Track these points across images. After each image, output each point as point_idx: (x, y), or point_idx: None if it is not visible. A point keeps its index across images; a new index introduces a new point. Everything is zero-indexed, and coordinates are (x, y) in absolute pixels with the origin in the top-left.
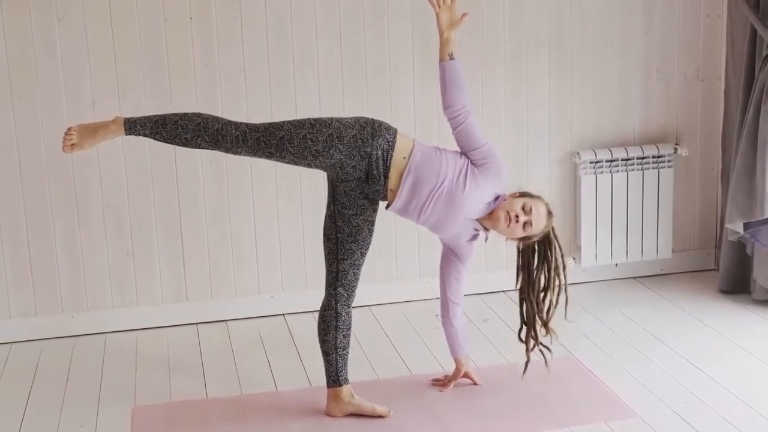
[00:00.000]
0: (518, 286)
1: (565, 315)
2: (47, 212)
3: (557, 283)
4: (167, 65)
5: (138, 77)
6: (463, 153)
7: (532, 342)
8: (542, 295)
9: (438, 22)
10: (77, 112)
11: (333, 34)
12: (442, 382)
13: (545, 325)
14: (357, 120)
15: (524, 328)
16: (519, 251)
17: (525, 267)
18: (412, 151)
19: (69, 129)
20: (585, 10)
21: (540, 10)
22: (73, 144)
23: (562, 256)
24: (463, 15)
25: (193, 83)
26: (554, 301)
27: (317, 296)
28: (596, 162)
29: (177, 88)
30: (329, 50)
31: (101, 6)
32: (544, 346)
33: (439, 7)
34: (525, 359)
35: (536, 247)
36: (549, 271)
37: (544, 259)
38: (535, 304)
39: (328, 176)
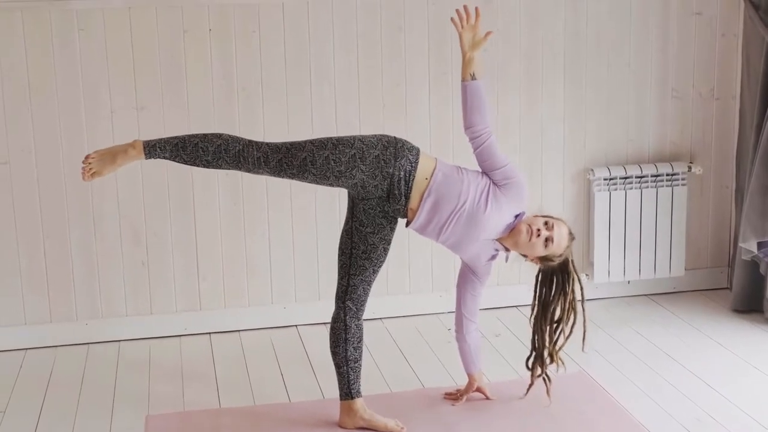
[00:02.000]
0: (533, 317)
1: (583, 347)
2: (64, 221)
3: (573, 316)
4: (186, 76)
5: (157, 88)
6: (485, 173)
7: (538, 370)
8: (555, 326)
9: (461, 42)
10: (96, 121)
11: (350, 48)
12: (454, 396)
13: (551, 355)
14: (379, 139)
15: (533, 355)
16: (536, 281)
17: (540, 298)
18: (434, 171)
19: (87, 157)
20: (600, 28)
21: (555, 28)
22: (93, 172)
23: (582, 289)
24: (487, 34)
25: (210, 94)
26: (567, 333)
27: (330, 308)
28: (610, 179)
29: (195, 99)
30: (346, 63)
31: (121, 17)
32: (548, 375)
33: (462, 27)
34: (529, 382)
35: (554, 278)
36: (565, 303)
37: (562, 291)
38: (547, 335)
39: (348, 192)
